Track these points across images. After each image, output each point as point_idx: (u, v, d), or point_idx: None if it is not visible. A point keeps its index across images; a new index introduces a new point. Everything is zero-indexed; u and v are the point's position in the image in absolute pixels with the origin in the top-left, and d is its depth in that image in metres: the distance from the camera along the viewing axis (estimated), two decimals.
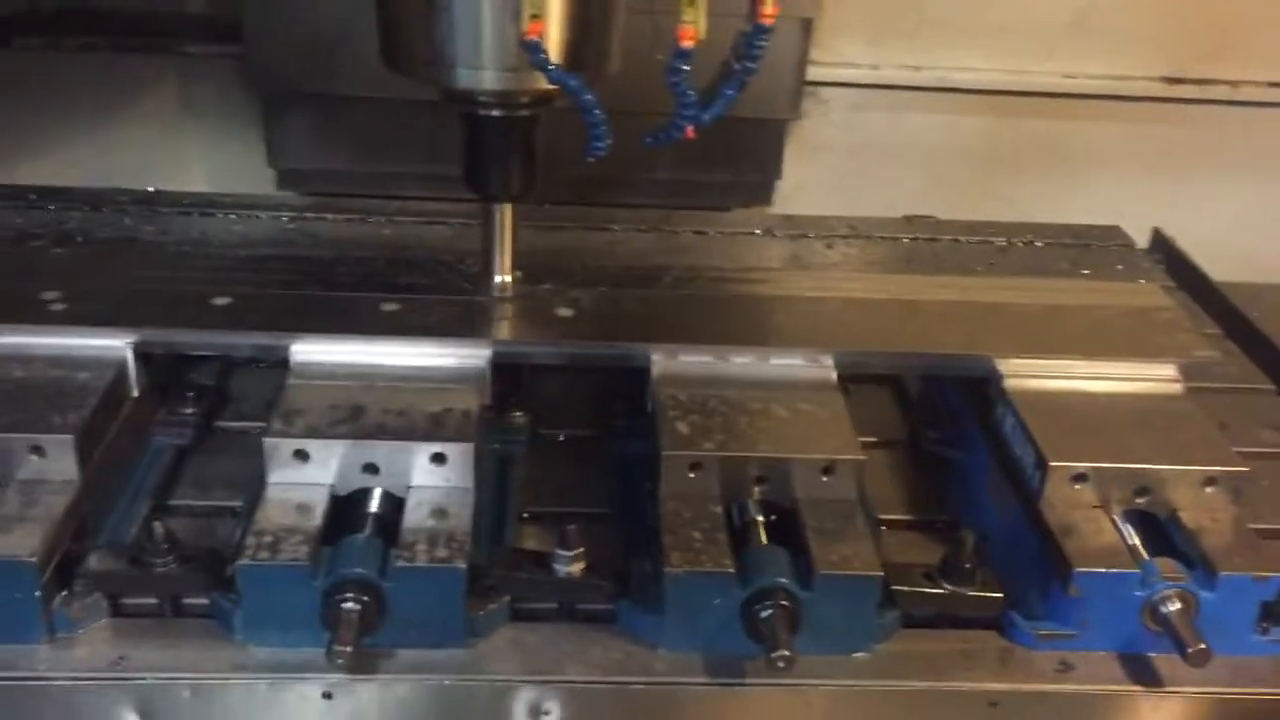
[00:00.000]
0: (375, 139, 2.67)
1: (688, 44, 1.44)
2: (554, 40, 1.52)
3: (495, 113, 1.63)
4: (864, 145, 2.96)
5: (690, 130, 1.54)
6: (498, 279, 1.77)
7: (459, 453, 1.47)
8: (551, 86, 1.52)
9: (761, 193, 2.89)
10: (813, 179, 2.96)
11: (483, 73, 1.57)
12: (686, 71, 1.48)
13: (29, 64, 2.72)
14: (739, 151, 2.75)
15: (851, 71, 2.88)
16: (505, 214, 1.74)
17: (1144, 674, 1.41)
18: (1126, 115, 2.92)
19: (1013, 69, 2.87)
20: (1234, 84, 2.91)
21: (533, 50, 1.46)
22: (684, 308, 1.79)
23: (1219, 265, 2.44)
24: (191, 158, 2.87)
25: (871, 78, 2.89)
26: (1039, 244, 2.36)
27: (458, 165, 1.70)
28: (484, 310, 1.73)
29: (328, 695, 1.35)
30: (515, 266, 1.79)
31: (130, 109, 2.81)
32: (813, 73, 2.75)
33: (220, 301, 1.67)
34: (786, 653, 1.31)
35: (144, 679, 1.35)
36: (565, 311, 1.73)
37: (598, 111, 1.51)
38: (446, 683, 1.37)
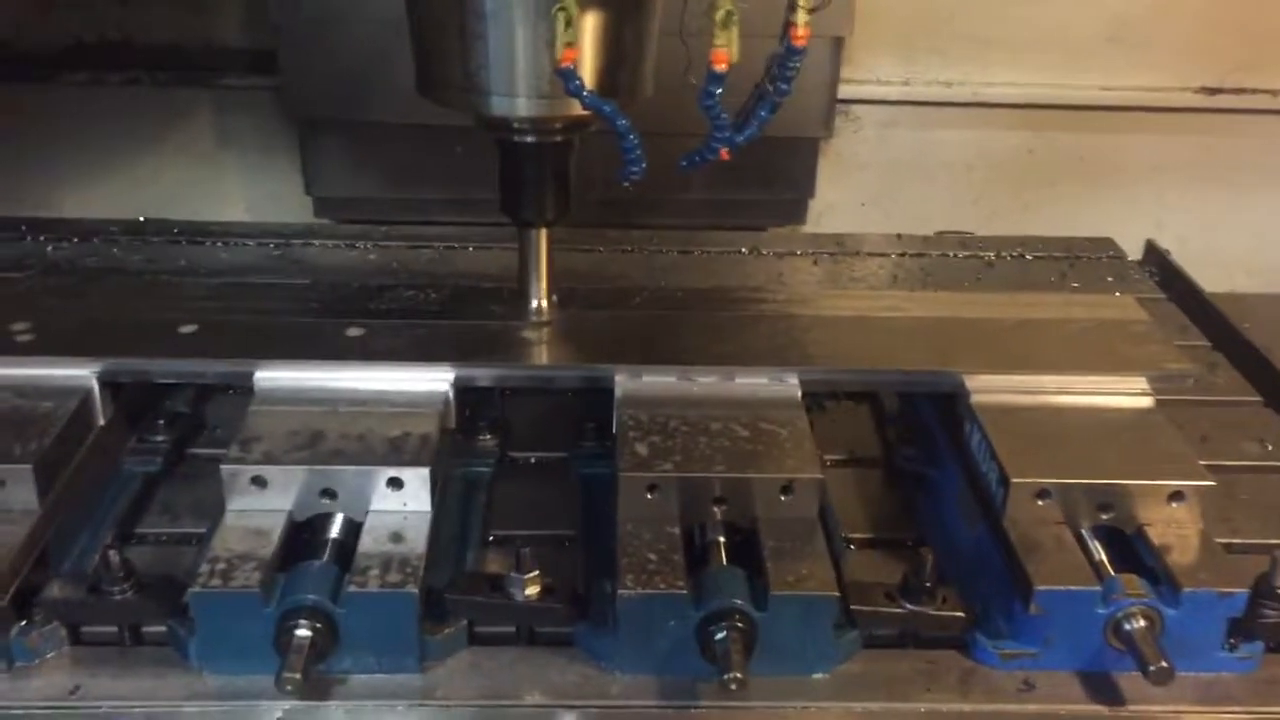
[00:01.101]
0: (411, 165, 2.70)
1: (721, 67, 1.43)
2: (588, 67, 1.53)
3: (530, 139, 1.64)
4: (897, 162, 2.95)
5: (725, 152, 1.53)
6: (534, 303, 1.78)
7: (416, 477, 1.47)
8: (586, 112, 1.52)
9: (796, 211, 2.89)
10: (846, 197, 2.97)
11: (517, 100, 1.58)
12: (720, 94, 1.46)
13: (70, 98, 2.78)
14: (772, 171, 2.75)
15: (883, 89, 2.88)
16: (540, 239, 1.75)
17: (1107, 693, 1.39)
18: (1164, 127, 2.90)
19: (1048, 82, 2.86)
20: (1273, 93, 2.88)
21: (567, 77, 1.45)
22: (653, 327, 1.78)
23: (1263, 276, 2.42)
24: (230, 187, 2.92)
25: (903, 94, 2.89)
26: (1028, 257, 2.35)
27: (493, 190, 1.72)
28: (452, 334, 1.73)
29: None
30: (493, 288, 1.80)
31: (169, 141, 2.85)
32: (844, 90, 2.75)
33: (187, 330, 1.68)
34: (739, 675, 1.29)
35: (99, 708, 1.35)
36: (530, 333, 1.73)
37: (633, 136, 1.51)
38: (400, 708, 1.36)
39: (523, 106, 1.59)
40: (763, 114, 1.51)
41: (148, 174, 2.85)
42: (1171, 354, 1.70)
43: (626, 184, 1.55)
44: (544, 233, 1.75)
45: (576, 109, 1.52)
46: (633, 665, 1.40)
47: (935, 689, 1.40)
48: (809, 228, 2.90)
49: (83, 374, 1.60)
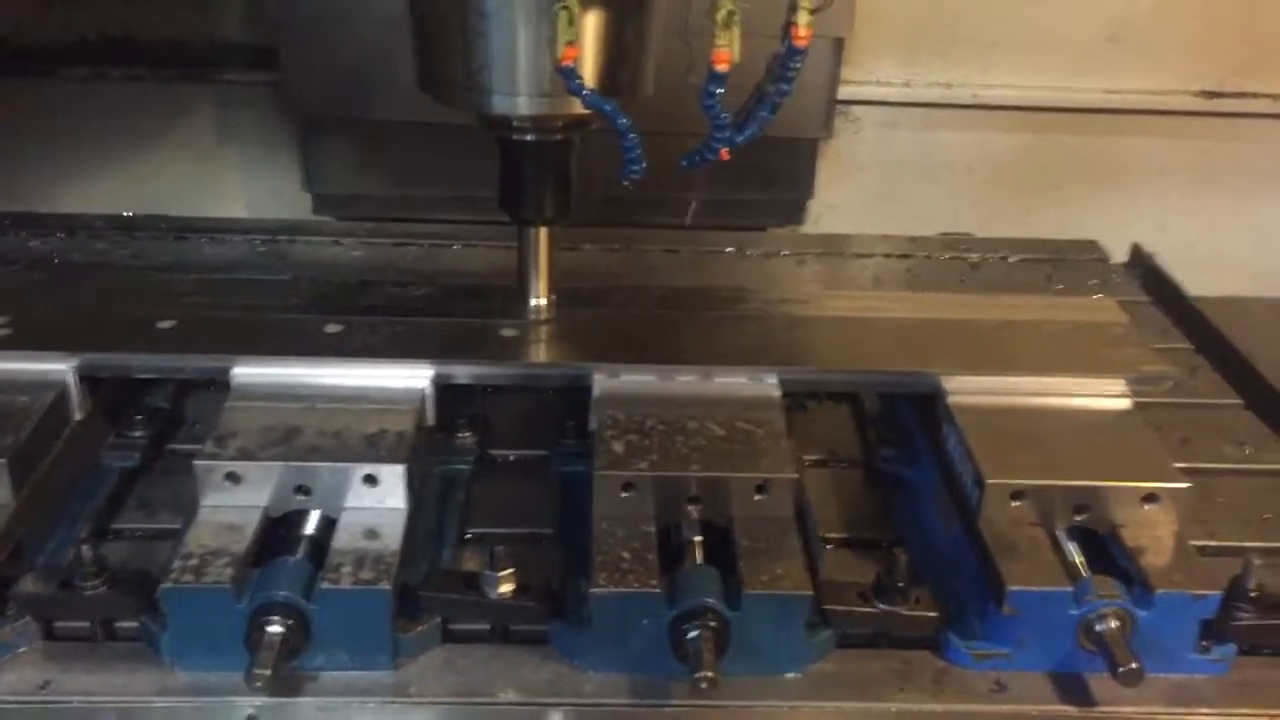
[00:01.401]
0: (411, 163, 2.70)
1: (722, 67, 1.42)
2: (589, 65, 1.53)
3: (530, 138, 1.64)
4: (897, 163, 2.95)
5: (725, 152, 1.53)
6: (533, 302, 1.78)
7: (391, 474, 1.47)
8: (586, 111, 1.52)
9: (795, 212, 2.89)
10: (846, 198, 2.96)
11: (518, 98, 1.58)
12: (720, 94, 1.46)
13: (71, 94, 2.77)
14: (772, 171, 2.75)
15: (883, 90, 2.88)
16: (540, 238, 1.75)
17: (1079, 694, 1.39)
18: (1165, 130, 2.90)
19: (1049, 85, 2.85)
20: (1274, 97, 2.88)
21: (568, 76, 1.45)
22: (636, 327, 1.78)
23: (1264, 280, 2.41)
24: (230, 184, 2.91)
25: (904, 95, 2.89)
26: (1013, 260, 2.35)
27: (493, 189, 1.71)
28: (433, 331, 1.73)
29: (253, 718, 1.35)
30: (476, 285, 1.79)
31: (170, 137, 2.85)
32: (844, 91, 2.75)
33: (165, 325, 1.68)
34: (710, 674, 1.29)
35: (69, 703, 1.35)
36: (510, 331, 1.72)
37: (633, 135, 1.50)
38: (372, 705, 1.36)
39: (524, 105, 1.58)
40: (763, 114, 1.52)
41: (149, 170, 2.85)
42: (1149, 356, 1.70)
43: (627, 183, 1.54)
44: (544, 232, 1.75)
45: (577, 107, 1.52)
46: (606, 664, 1.40)
47: (908, 689, 1.40)
48: (808, 228, 2.90)
49: (59, 368, 1.60)
